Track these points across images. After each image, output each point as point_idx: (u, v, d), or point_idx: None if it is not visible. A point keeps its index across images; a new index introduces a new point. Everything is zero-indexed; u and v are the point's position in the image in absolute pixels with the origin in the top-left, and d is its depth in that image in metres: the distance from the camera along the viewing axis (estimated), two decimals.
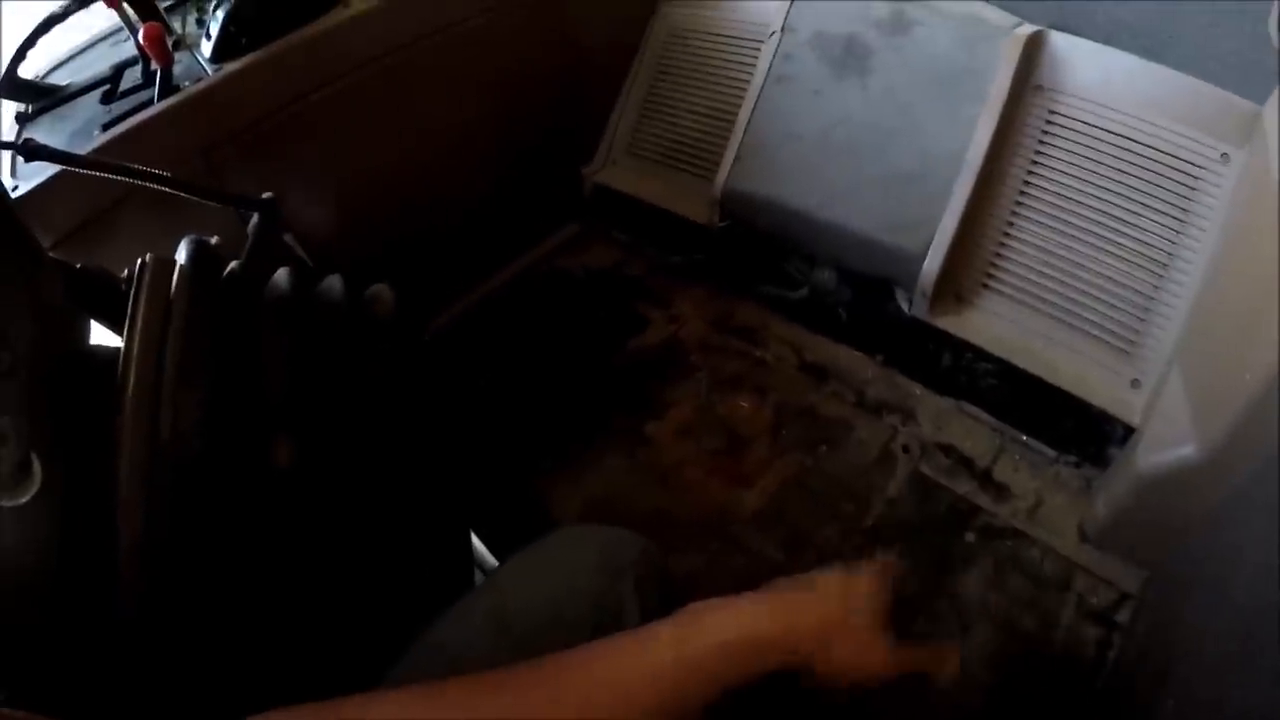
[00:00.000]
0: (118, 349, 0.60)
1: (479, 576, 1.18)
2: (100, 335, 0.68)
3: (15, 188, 1.15)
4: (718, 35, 1.81)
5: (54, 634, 0.53)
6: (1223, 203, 1.19)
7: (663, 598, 0.73)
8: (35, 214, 1.10)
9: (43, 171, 1.12)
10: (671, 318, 1.81)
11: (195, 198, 0.94)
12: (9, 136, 1.36)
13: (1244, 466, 0.91)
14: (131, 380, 0.58)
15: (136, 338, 0.60)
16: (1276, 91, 1.06)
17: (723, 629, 0.57)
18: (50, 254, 0.67)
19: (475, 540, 1.25)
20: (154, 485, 0.58)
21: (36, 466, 0.51)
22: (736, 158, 1.69)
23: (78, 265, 0.70)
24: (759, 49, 1.70)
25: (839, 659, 0.60)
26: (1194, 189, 1.22)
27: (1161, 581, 1.14)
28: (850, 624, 0.61)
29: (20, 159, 1.13)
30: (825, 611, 0.61)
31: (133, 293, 0.62)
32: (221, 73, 1.31)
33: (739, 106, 1.72)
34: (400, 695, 0.50)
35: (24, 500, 0.50)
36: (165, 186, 0.90)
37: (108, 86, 1.41)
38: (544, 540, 0.78)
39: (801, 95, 1.62)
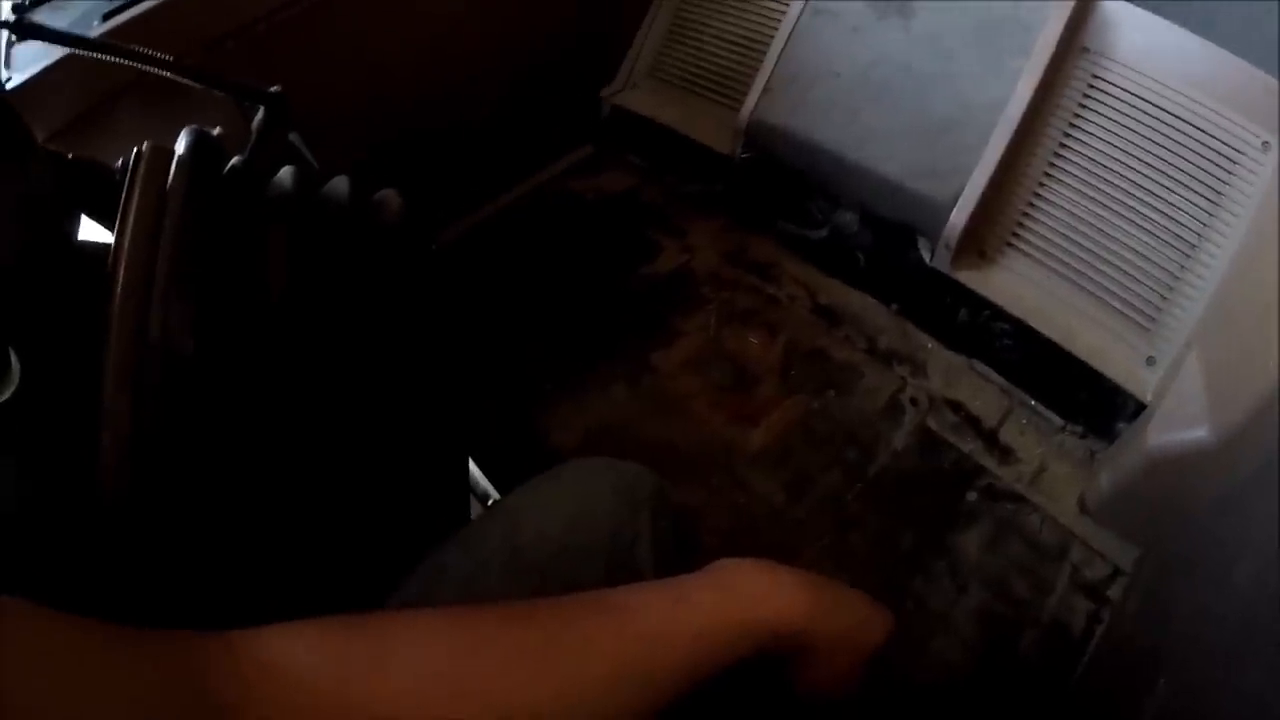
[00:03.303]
0: (109, 244, 0.57)
1: (474, 502, 1.17)
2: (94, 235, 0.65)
3: (9, 79, 1.11)
4: None
5: (37, 537, 0.51)
6: (1259, 190, 1.15)
7: (674, 533, 0.73)
8: (30, 106, 1.07)
9: (39, 62, 1.08)
10: (685, 247, 1.77)
11: (198, 85, 0.89)
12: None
13: (1257, 455, 0.89)
14: (120, 274, 0.55)
15: (128, 230, 0.56)
16: None
17: (765, 606, 0.56)
18: (45, 146, 0.64)
19: (471, 465, 1.24)
20: (141, 386, 0.55)
21: (15, 364, 0.48)
22: (765, 89, 1.63)
23: (69, 155, 0.67)
24: None
25: (825, 671, 0.61)
26: (1231, 173, 1.18)
27: (1157, 561, 1.13)
28: (853, 646, 0.61)
29: (17, 49, 1.10)
30: (849, 625, 0.61)
31: (126, 183, 0.58)
32: None
33: (772, 36, 1.66)
34: (430, 617, 0.49)
35: (2, 399, 0.47)
36: (167, 71, 0.85)
37: None
38: (557, 470, 0.77)
39: (840, 31, 1.55)
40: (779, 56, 1.62)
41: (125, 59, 0.84)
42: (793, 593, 0.57)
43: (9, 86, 1.09)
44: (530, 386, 1.51)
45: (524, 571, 0.66)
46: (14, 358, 0.48)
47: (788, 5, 1.65)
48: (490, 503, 1.23)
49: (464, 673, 0.45)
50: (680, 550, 0.73)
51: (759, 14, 1.73)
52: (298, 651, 0.43)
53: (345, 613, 0.46)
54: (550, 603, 0.52)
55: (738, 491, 1.33)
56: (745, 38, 1.75)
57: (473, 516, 0.89)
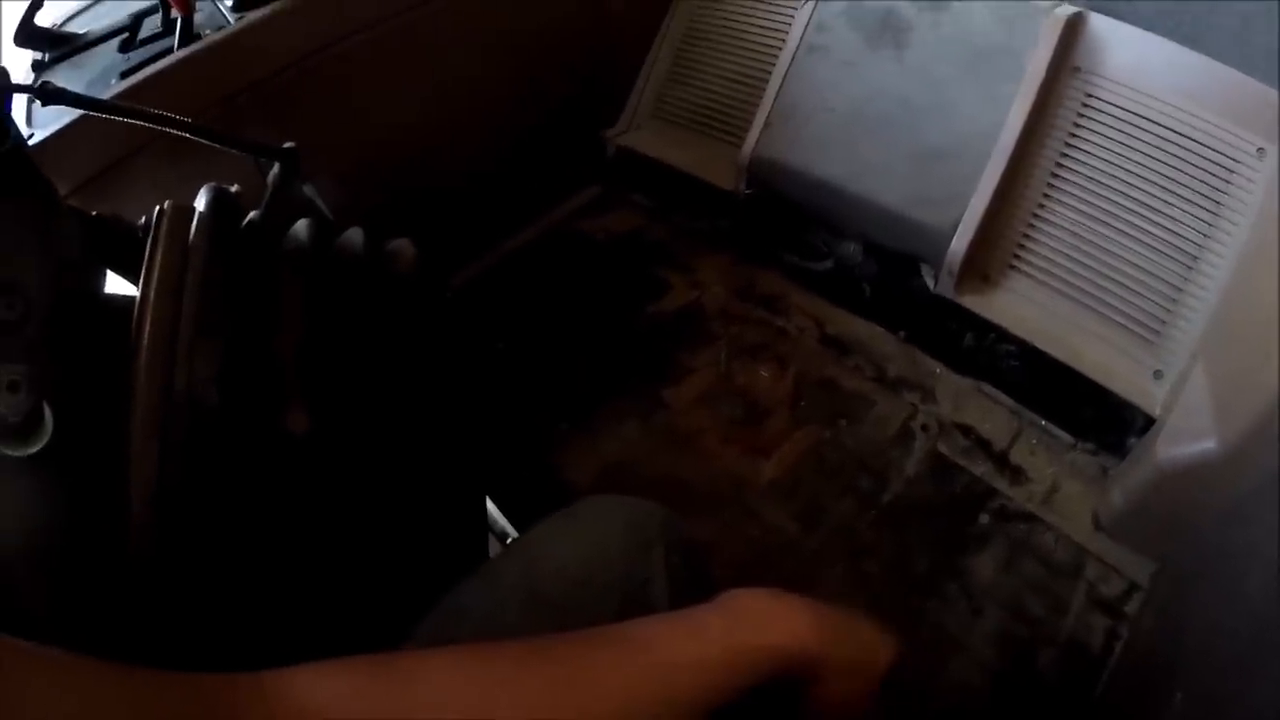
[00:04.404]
0: (133, 298, 0.59)
1: (492, 540, 1.17)
2: (117, 285, 0.67)
3: (31, 135, 1.13)
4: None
5: (66, 586, 0.53)
6: (1256, 197, 1.16)
7: (687, 569, 0.73)
8: (52, 162, 1.09)
9: (59, 119, 1.11)
10: (693, 284, 1.79)
11: (215, 144, 0.92)
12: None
13: (1264, 464, 0.90)
14: (147, 329, 0.57)
15: (153, 285, 0.58)
16: None
17: (773, 631, 0.56)
18: (67, 202, 0.66)
19: (489, 503, 1.25)
20: (167, 437, 0.56)
21: (48, 416, 0.50)
22: (765, 125, 1.67)
23: (93, 213, 0.69)
24: (792, 16, 1.68)
25: (836, 695, 0.60)
26: (1228, 182, 1.19)
27: (1172, 575, 1.13)
28: (863, 671, 0.60)
29: (37, 106, 1.12)
30: (858, 649, 0.60)
31: (150, 239, 0.61)
32: (244, 21, 1.28)
33: (769, 73, 1.70)
34: (451, 655, 0.50)
35: (35, 450, 0.49)
36: (184, 132, 0.88)
37: (126, 35, 1.39)
38: (571, 509, 0.77)
39: (834, 66, 1.59)
40: (777, 93, 1.66)
41: (144, 121, 0.87)
42: (801, 617, 0.57)
43: (31, 143, 1.11)
44: (545, 425, 1.52)
45: (542, 608, 0.67)
46: (48, 411, 0.49)
47: (783, 42, 1.68)
48: (509, 540, 1.23)
49: (485, 708, 0.46)
50: (694, 584, 0.73)
51: (756, 52, 1.77)
52: (327, 691, 0.44)
53: (368, 652, 0.47)
54: (565, 638, 0.53)
55: (751, 524, 1.34)
56: (744, 76, 1.79)
57: (491, 554, 0.90)
